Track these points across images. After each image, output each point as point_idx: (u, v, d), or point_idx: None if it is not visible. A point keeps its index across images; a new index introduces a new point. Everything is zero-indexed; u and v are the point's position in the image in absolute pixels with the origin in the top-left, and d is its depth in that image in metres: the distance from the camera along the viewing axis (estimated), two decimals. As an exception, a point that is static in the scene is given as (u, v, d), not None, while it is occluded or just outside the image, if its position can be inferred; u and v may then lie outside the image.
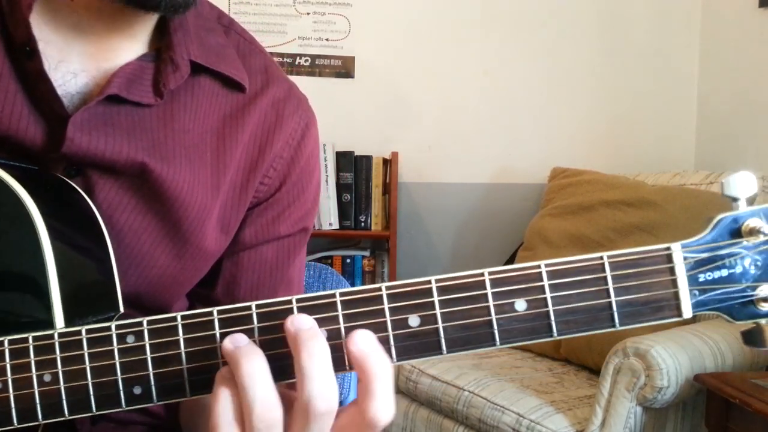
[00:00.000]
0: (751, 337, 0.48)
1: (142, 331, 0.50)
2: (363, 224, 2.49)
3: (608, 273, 0.47)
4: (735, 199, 0.47)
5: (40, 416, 0.51)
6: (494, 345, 0.47)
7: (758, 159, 2.38)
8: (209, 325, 0.49)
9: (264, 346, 0.48)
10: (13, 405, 0.51)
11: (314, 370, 0.45)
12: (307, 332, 0.46)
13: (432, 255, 2.72)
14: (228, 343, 0.47)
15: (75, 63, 0.63)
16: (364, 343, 0.46)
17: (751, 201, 0.47)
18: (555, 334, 0.47)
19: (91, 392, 0.50)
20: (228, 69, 0.69)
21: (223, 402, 0.46)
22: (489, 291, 0.47)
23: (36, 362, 0.50)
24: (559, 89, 2.73)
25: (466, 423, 1.85)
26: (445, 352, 0.48)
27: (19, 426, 0.51)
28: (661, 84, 2.76)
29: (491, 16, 2.68)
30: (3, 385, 0.51)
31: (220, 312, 0.49)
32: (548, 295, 0.47)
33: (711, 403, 1.56)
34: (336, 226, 2.46)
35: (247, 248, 0.73)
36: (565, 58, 2.72)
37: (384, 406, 0.45)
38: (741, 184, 0.46)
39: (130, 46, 0.66)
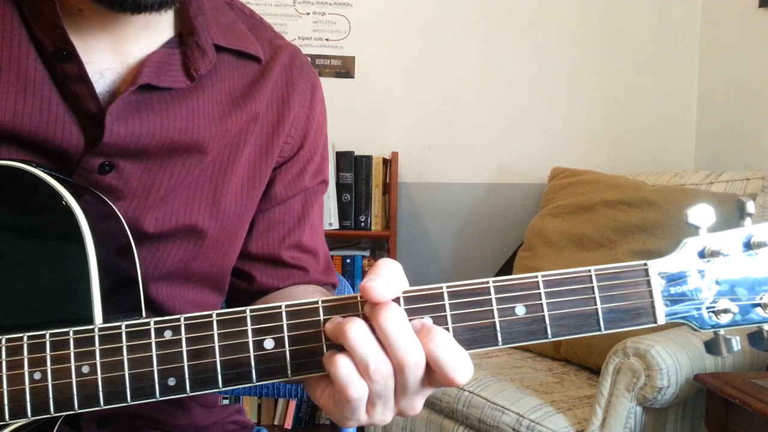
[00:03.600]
0: (711, 347, 0.55)
1: (179, 326, 0.53)
2: (363, 224, 2.49)
3: (595, 284, 0.53)
4: (697, 228, 0.54)
5: (76, 406, 0.53)
6: (497, 345, 0.53)
7: (758, 159, 2.38)
8: (242, 321, 0.53)
9: (292, 342, 0.52)
10: (51, 394, 0.53)
11: (393, 329, 0.49)
12: (380, 303, 0.50)
13: (432, 255, 2.73)
14: (328, 325, 0.51)
15: (100, 62, 0.66)
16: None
17: (711, 229, 0.54)
18: (550, 336, 0.53)
19: (128, 383, 0.53)
20: (245, 45, 0.74)
21: (342, 365, 0.49)
22: (493, 297, 0.53)
23: (75, 354, 0.53)
24: (559, 89, 2.73)
25: (466, 423, 1.85)
26: None
27: (55, 415, 0.54)
28: (661, 84, 2.76)
29: (491, 16, 2.68)
30: (42, 375, 0.53)
31: (252, 310, 0.53)
32: (544, 301, 0.53)
33: (711, 403, 1.56)
34: (336, 226, 2.46)
35: (279, 203, 0.79)
36: (565, 58, 2.72)
37: (455, 369, 0.49)
38: (701, 215, 0.54)
39: (153, 36, 0.68)
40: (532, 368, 2.04)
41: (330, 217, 2.45)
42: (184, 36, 0.69)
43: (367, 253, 2.55)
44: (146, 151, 0.66)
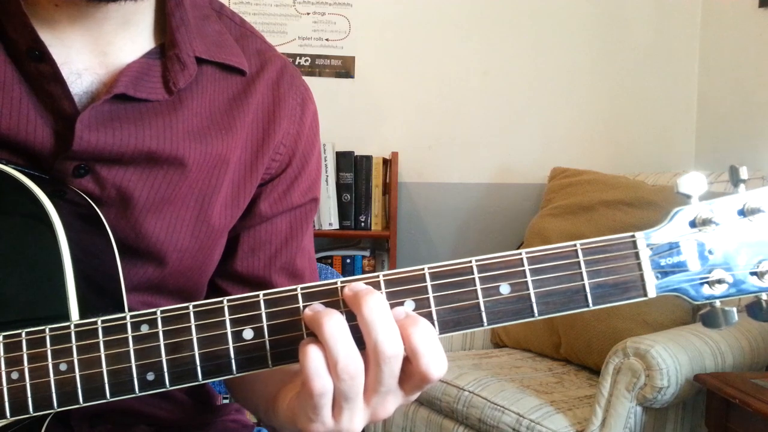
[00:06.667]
0: (708, 319, 0.52)
1: (155, 320, 0.52)
2: (363, 224, 2.49)
3: (581, 258, 0.51)
4: (688, 197, 0.52)
5: (55, 404, 0.52)
6: (482, 326, 0.51)
7: (758, 159, 2.38)
8: (220, 312, 0.52)
9: (271, 331, 0.51)
10: (29, 394, 0.52)
11: (375, 319, 0.48)
12: (363, 291, 0.50)
13: (432, 255, 2.72)
14: (308, 311, 0.51)
15: (77, 62, 0.64)
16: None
17: (703, 198, 0.52)
18: (536, 314, 0.51)
19: (106, 379, 0.52)
20: (229, 57, 0.71)
21: (313, 357, 0.49)
22: (476, 276, 0.52)
23: (52, 351, 0.52)
24: (560, 89, 2.73)
25: (466, 423, 1.85)
26: (438, 333, 0.51)
27: (34, 414, 0.53)
28: (661, 84, 2.76)
29: (491, 16, 2.68)
30: (20, 374, 0.53)
31: (229, 300, 0.52)
32: (529, 279, 0.51)
33: (711, 403, 1.56)
34: (336, 226, 2.46)
35: (264, 221, 0.76)
36: (566, 58, 2.72)
37: (430, 362, 0.49)
38: (693, 183, 0.51)
39: (132, 38, 0.67)
40: (532, 368, 2.04)
41: (330, 217, 2.45)
42: (166, 48, 0.67)
43: (367, 253, 2.55)
44: (121, 158, 0.64)
